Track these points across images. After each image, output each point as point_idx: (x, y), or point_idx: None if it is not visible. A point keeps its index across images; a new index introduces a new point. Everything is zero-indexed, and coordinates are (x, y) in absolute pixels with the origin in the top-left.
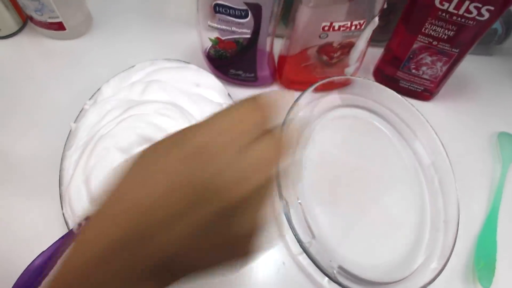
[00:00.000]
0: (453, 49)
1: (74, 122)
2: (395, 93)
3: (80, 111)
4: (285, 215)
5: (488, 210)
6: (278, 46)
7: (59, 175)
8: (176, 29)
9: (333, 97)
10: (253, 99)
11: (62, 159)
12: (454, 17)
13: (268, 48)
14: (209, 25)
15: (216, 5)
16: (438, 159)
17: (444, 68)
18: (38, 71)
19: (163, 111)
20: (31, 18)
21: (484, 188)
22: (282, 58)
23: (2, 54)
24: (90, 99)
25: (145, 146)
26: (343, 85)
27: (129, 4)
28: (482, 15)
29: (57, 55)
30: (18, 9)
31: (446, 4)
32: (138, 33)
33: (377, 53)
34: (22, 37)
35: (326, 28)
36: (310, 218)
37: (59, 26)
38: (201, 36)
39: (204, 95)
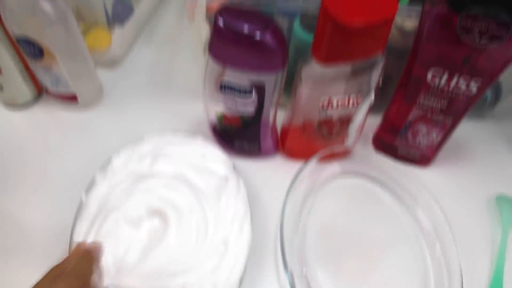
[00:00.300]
0: (446, 119)
1: (85, 192)
2: (394, 161)
3: (91, 182)
4: (290, 287)
5: (492, 275)
6: (281, 116)
7: (69, 246)
8: (184, 100)
9: (334, 167)
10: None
11: (72, 230)
12: (446, 92)
13: (271, 120)
14: (215, 102)
15: (222, 83)
16: (439, 225)
17: (440, 136)
18: (50, 140)
19: (171, 184)
20: (46, 90)
21: (486, 252)
22: (284, 129)
23: (16, 123)
24: (100, 169)
25: (153, 219)
26: (344, 154)
27: (138, 75)
28: (471, 89)
29: (69, 124)
30: (34, 80)
31: (437, 81)
32: (147, 104)
33: (375, 120)
34: (36, 107)
35: (325, 104)
36: None
37: (72, 98)
38: (208, 110)
39: (210, 168)
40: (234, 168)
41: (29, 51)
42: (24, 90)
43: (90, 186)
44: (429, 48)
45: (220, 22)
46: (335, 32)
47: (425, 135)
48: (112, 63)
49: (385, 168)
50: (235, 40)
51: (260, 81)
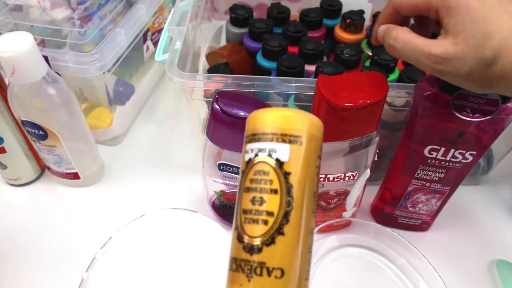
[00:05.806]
0: (444, 188)
1: (86, 271)
2: (392, 231)
3: (91, 259)
4: None
5: None
6: None
7: None
8: (183, 176)
9: (333, 239)
10: None
11: None
12: (443, 162)
13: None
14: (214, 181)
15: (220, 164)
16: None
17: (438, 203)
18: (52, 217)
19: (172, 261)
20: (48, 168)
21: None
22: None
23: (19, 200)
24: (101, 248)
25: None
26: (342, 227)
27: (139, 151)
28: (467, 159)
29: (71, 201)
30: (37, 159)
31: (434, 153)
32: (148, 180)
33: (372, 190)
34: (39, 184)
35: (322, 179)
36: None
37: (75, 176)
38: (207, 188)
39: (210, 243)
40: None
41: (34, 133)
42: (28, 169)
43: (90, 263)
44: (424, 125)
45: (216, 108)
46: (329, 113)
47: (424, 203)
48: (113, 140)
49: (385, 238)
50: (231, 124)
51: None
